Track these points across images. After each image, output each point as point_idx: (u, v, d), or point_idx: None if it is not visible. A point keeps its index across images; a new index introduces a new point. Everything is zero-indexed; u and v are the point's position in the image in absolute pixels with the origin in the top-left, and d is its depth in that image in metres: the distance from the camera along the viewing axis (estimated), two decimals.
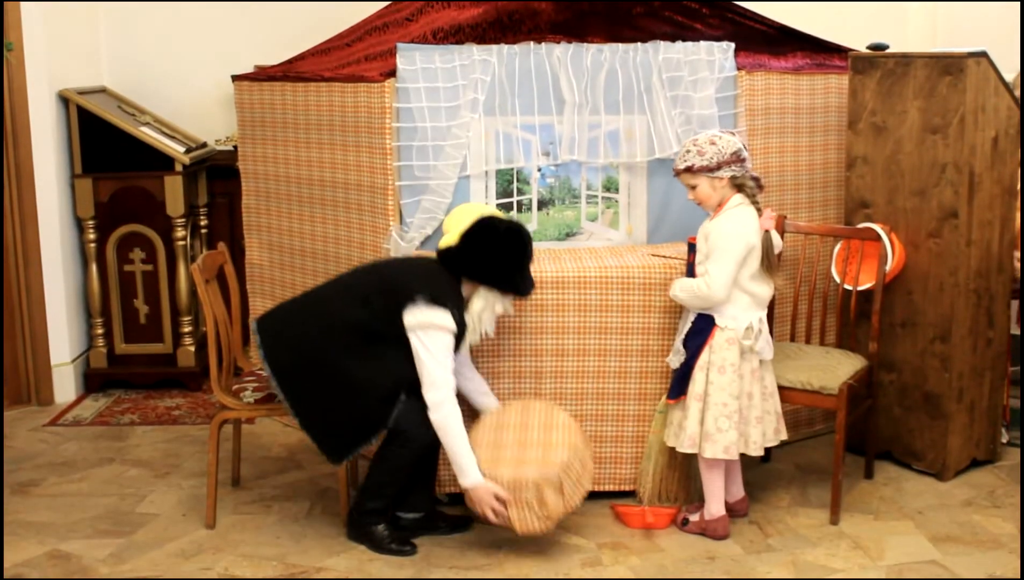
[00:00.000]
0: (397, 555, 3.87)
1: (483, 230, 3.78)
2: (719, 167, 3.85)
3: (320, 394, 3.79)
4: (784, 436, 4.07)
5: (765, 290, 3.94)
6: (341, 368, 3.77)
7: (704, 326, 3.91)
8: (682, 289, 3.93)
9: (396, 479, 3.90)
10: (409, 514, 4.02)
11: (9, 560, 3.88)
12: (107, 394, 5.67)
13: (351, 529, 3.99)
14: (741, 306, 3.90)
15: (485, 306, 3.81)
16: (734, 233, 3.85)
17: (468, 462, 3.72)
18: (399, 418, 3.78)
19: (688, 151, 3.89)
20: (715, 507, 3.99)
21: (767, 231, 3.90)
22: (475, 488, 3.72)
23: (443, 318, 3.70)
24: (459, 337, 3.76)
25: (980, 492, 4.36)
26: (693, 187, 3.92)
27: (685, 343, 3.96)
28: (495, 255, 3.77)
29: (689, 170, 3.89)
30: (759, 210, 3.91)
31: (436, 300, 3.70)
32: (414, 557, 3.88)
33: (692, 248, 3.99)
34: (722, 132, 3.96)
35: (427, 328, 3.70)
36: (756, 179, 3.94)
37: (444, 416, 3.72)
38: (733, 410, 3.88)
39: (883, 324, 4.44)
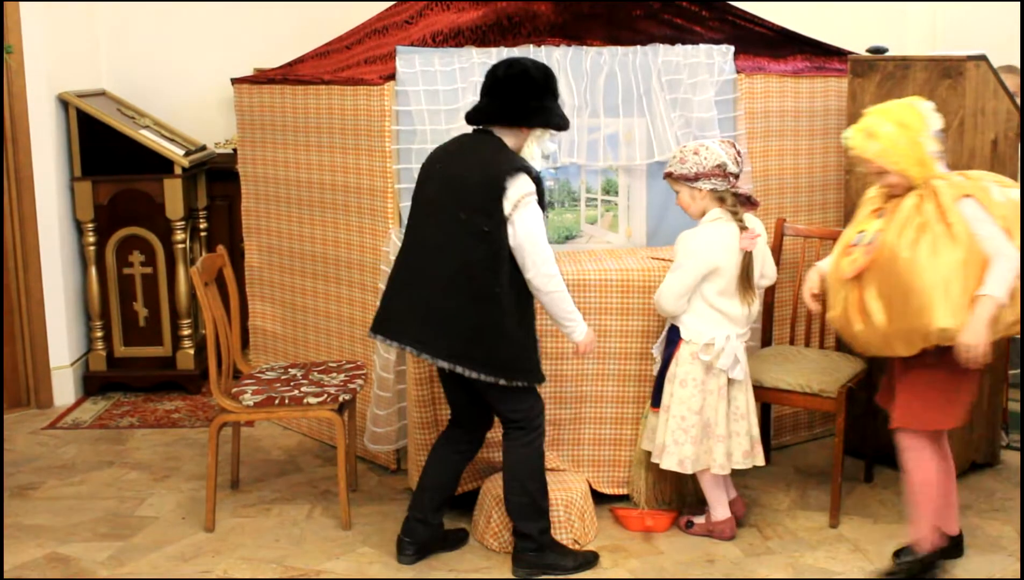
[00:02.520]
0: (584, 567, 3.79)
1: (513, 71, 3.58)
2: (697, 178, 3.82)
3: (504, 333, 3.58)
4: (759, 462, 3.98)
5: (738, 309, 3.87)
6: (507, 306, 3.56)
7: (673, 338, 3.93)
8: (657, 293, 3.95)
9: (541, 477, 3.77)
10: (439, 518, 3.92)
11: (8, 563, 3.88)
12: (106, 397, 5.67)
13: (522, 568, 3.79)
14: (708, 321, 3.86)
15: (538, 148, 3.62)
16: (693, 249, 3.83)
17: (579, 315, 3.66)
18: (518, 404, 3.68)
19: (674, 157, 3.89)
20: (720, 511, 3.99)
21: (747, 251, 3.84)
22: (588, 337, 3.69)
23: (527, 182, 3.51)
24: (540, 197, 3.57)
25: (980, 495, 4.35)
26: (677, 193, 3.93)
27: (663, 352, 3.98)
28: (535, 90, 3.56)
29: (670, 176, 3.91)
30: (743, 228, 3.85)
31: (516, 169, 3.50)
32: (413, 560, 3.86)
33: None
34: (715, 142, 3.89)
35: (522, 203, 3.49)
36: (741, 196, 3.89)
37: (560, 282, 3.57)
38: (691, 424, 3.86)
39: None
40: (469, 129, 3.70)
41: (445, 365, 3.58)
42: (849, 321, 3.55)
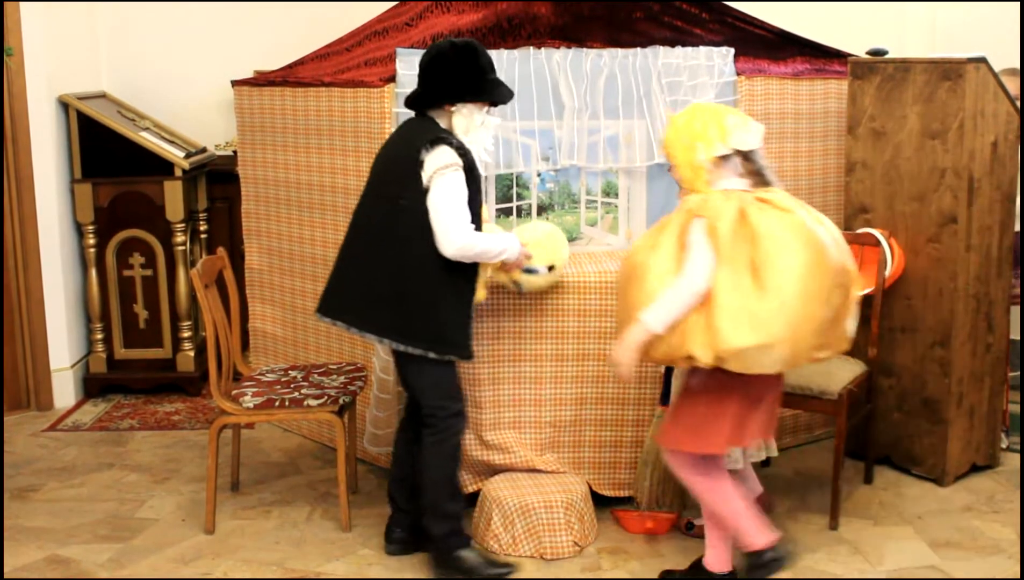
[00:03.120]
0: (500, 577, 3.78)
1: (429, 55, 3.65)
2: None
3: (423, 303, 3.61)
4: (773, 453, 4.06)
5: None
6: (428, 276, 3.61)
7: None
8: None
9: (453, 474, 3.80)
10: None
11: (8, 565, 3.87)
12: (106, 399, 5.67)
13: (433, 568, 3.82)
14: None
15: (468, 123, 3.62)
16: None
17: (506, 240, 3.70)
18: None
19: None
20: None
21: None
22: (518, 250, 3.75)
23: (447, 153, 3.54)
24: (470, 170, 3.58)
25: (980, 497, 4.35)
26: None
27: None
28: (445, 68, 3.59)
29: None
30: None
31: (434, 141, 3.55)
32: (413, 562, 3.87)
33: None
34: None
35: (440, 172, 3.53)
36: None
37: (472, 242, 3.55)
38: None
39: (882, 329, 4.44)
40: None
41: (372, 338, 3.65)
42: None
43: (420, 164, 3.53)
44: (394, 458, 3.96)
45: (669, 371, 3.95)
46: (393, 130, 4.31)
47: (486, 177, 4.39)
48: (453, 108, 3.61)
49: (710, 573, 3.63)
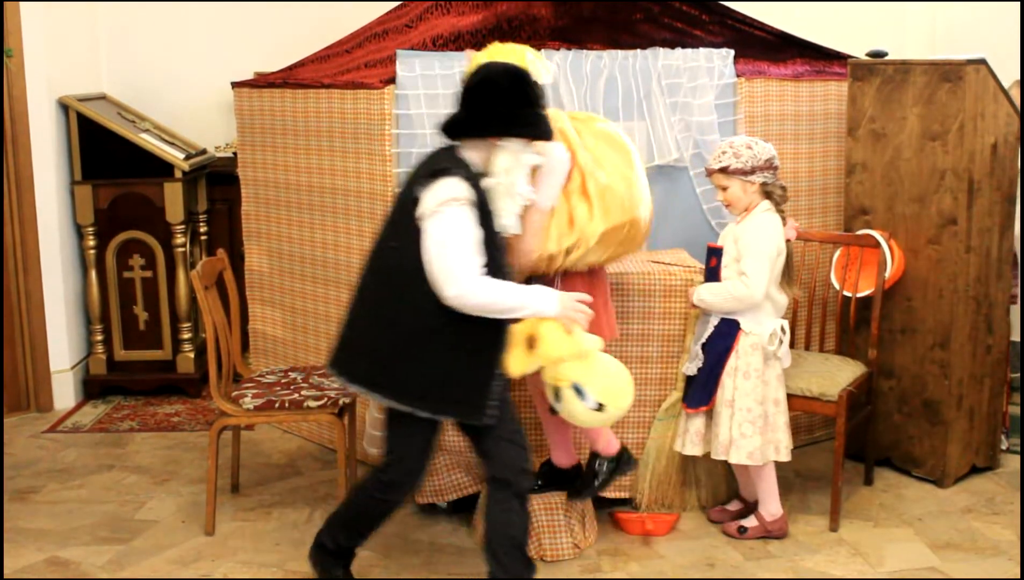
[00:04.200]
0: None
1: (477, 78, 3.32)
2: (753, 171, 3.88)
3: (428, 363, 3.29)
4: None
5: (784, 298, 3.99)
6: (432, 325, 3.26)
7: (729, 330, 3.92)
8: (712, 293, 3.93)
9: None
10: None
11: (8, 567, 3.87)
12: (106, 401, 5.67)
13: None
14: (766, 311, 3.93)
15: (514, 161, 3.28)
16: (768, 236, 3.89)
17: (531, 295, 3.27)
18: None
19: (724, 152, 3.92)
20: (773, 507, 4.03)
21: (788, 241, 3.95)
22: (561, 303, 3.30)
23: (448, 187, 3.18)
24: (483, 207, 3.25)
25: (980, 499, 4.35)
26: (724, 188, 3.95)
27: (705, 348, 3.96)
28: (496, 97, 3.27)
29: (724, 171, 3.92)
30: (783, 219, 3.95)
31: (433, 174, 3.20)
32: (414, 564, 3.87)
33: (712, 253, 3.99)
34: (756, 140, 3.98)
35: (434, 209, 3.17)
36: (783, 188, 3.98)
37: (475, 292, 3.17)
38: (757, 415, 3.91)
39: (882, 331, 4.44)
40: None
41: (358, 390, 3.40)
42: None
43: (415, 202, 3.20)
44: None
45: (710, 371, 3.94)
46: (396, 132, 4.32)
47: None
48: (500, 142, 3.28)
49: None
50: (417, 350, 3.26)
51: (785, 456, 3.98)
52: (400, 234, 3.25)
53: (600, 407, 3.41)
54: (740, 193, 3.92)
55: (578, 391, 3.39)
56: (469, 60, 3.53)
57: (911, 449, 4.52)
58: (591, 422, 3.50)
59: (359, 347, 3.36)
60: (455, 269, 3.16)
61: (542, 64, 3.51)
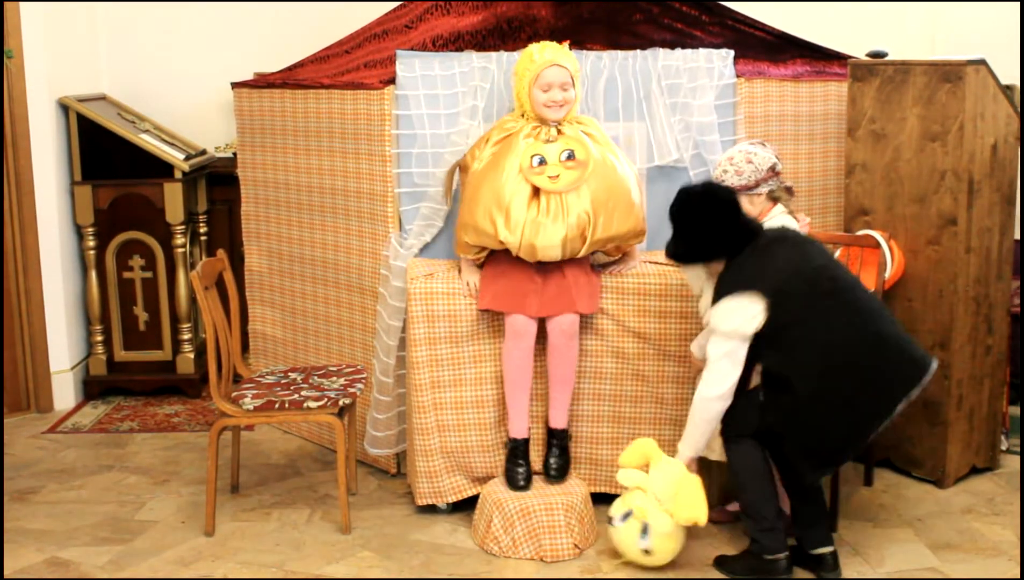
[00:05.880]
0: None
1: (714, 203, 3.69)
2: (757, 184, 3.87)
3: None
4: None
5: None
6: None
7: None
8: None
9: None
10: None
11: (8, 567, 3.87)
12: (106, 401, 5.67)
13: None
14: None
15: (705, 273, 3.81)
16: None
17: (693, 442, 3.72)
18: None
19: (725, 171, 3.89)
20: None
21: None
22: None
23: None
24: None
25: (980, 499, 4.35)
26: None
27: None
28: (715, 225, 3.67)
29: None
30: (796, 218, 3.96)
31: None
32: (413, 564, 3.87)
33: None
34: (751, 145, 3.95)
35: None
36: (788, 188, 3.98)
37: (705, 410, 3.67)
38: None
39: None
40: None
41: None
42: None
43: None
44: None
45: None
46: (396, 133, 4.32)
47: None
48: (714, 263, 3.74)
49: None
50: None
51: None
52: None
53: (647, 552, 3.71)
54: (748, 206, 3.89)
55: (644, 529, 3.67)
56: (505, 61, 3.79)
57: (911, 449, 4.52)
58: (628, 554, 3.76)
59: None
60: (714, 378, 3.68)
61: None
